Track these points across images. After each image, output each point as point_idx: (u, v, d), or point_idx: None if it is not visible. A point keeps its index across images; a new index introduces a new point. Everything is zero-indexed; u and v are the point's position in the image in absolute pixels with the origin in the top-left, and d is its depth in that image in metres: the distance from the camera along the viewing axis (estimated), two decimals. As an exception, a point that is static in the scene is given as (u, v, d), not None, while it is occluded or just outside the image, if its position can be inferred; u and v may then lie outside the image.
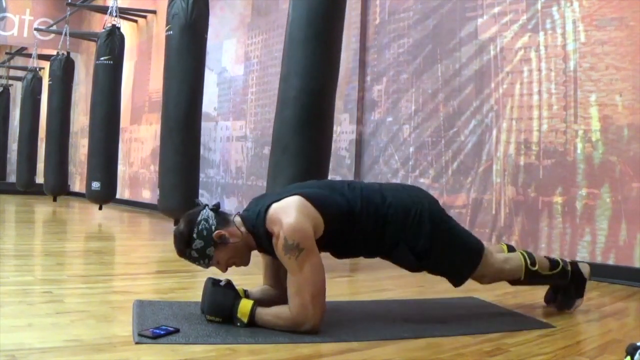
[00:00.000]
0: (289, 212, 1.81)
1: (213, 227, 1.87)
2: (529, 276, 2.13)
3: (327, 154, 3.26)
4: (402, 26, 4.36)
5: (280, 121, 3.22)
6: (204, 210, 1.91)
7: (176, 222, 4.60)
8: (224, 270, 1.95)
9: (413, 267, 2.05)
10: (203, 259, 1.89)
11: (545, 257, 2.25)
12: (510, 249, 2.36)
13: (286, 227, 1.78)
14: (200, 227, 1.87)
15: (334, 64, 3.25)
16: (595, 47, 3.24)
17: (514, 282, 2.19)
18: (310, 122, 3.13)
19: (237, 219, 1.95)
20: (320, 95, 3.16)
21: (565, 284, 2.24)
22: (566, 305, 2.26)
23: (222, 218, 1.92)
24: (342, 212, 1.92)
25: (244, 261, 1.96)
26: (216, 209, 1.94)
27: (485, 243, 2.18)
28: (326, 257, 2.00)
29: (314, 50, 3.14)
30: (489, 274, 2.11)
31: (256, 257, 2.01)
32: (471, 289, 2.38)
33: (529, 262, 2.14)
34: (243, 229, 1.92)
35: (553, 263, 2.20)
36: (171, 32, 4.56)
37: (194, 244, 1.86)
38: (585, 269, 2.26)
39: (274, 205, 1.86)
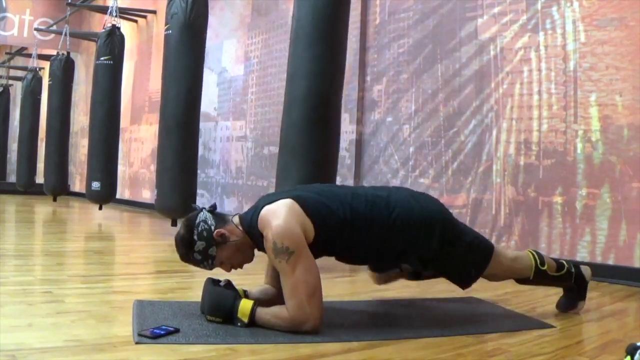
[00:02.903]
0: (278, 215, 1.82)
1: (212, 227, 1.89)
2: (538, 276, 2.13)
3: (335, 155, 3.30)
4: (402, 26, 4.36)
5: (287, 122, 3.24)
6: (201, 213, 1.93)
7: (173, 222, 4.66)
8: (229, 269, 1.96)
9: (419, 275, 2.05)
10: (206, 260, 1.90)
11: (550, 258, 2.25)
12: None
13: (274, 231, 1.79)
14: (199, 228, 1.88)
15: (339, 65, 3.29)
16: (595, 47, 3.23)
17: (521, 281, 2.18)
18: (318, 124, 3.16)
19: (236, 219, 1.96)
20: (327, 96, 3.19)
21: (569, 286, 2.24)
22: (570, 307, 2.26)
23: (220, 218, 1.94)
24: (337, 220, 1.90)
25: (247, 258, 1.97)
26: (212, 210, 1.95)
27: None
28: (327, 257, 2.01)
29: (320, 52, 3.17)
30: (499, 273, 2.10)
31: (257, 256, 2.01)
32: (471, 288, 2.38)
33: (538, 261, 2.14)
34: (241, 228, 1.93)
35: (559, 264, 2.20)
36: (170, 31, 4.56)
37: (196, 246, 1.88)
38: (586, 272, 2.26)
39: (266, 208, 1.88)
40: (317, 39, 3.17)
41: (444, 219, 2.01)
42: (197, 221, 1.90)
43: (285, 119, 3.26)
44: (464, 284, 2.09)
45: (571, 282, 2.22)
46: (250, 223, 1.91)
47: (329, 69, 3.20)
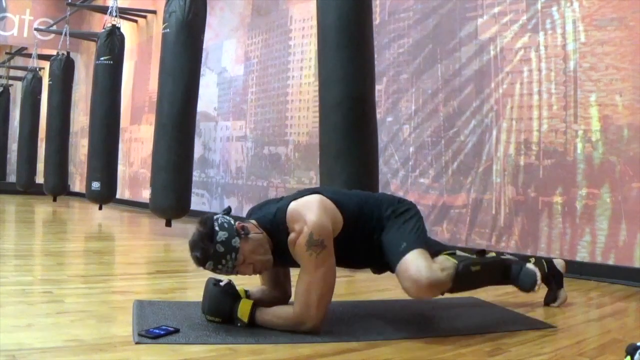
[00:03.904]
0: (313, 209, 1.81)
1: (232, 221, 1.84)
2: (459, 260, 1.96)
3: (376, 154, 3.34)
4: (402, 26, 4.36)
5: (327, 127, 3.27)
6: (216, 215, 1.88)
7: (167, 222, 4.64)
8: (251, 272, 1.85)
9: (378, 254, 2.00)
10: (230, 253, 1.77)
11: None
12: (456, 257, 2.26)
13: (311, 223, 1.77)
14: (220, 221, 1.82)
15: (370, 67, 3.33)
16: (595, 47, 3.23)
17: (454, 285, 1.95)
18: (358, 125, 3.20)
19: (252, 221, 1.92)
20: (363, 97, 3.24)
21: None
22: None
23: (235, 218, 1.90)
24: (354, 214, 1.94)
25: (268, 260, 1.87)
26: (227, 213, 1.92)
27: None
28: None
29: (350, 55, 3.21)
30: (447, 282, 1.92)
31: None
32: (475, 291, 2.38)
33: (450, 254, 2.01)
34: (260, 229, 1.89)
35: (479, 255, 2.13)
36: (168, 29, 4.55)
37: (218, 237, 1.77)
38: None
39: (294, 203, 1.85)
40: (346, 42, 3.21)
41: (419, 213, 2.06)
42: (215, 217, 1.84)
43: (323, 124, 3.30)
44: (405, 247, 1.89)
45: (508, 271, 2.14)
46: (274, 220, 1.86)
47: (361, 70, 3.25)
